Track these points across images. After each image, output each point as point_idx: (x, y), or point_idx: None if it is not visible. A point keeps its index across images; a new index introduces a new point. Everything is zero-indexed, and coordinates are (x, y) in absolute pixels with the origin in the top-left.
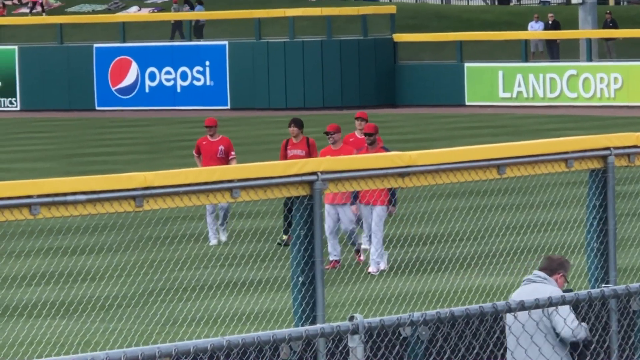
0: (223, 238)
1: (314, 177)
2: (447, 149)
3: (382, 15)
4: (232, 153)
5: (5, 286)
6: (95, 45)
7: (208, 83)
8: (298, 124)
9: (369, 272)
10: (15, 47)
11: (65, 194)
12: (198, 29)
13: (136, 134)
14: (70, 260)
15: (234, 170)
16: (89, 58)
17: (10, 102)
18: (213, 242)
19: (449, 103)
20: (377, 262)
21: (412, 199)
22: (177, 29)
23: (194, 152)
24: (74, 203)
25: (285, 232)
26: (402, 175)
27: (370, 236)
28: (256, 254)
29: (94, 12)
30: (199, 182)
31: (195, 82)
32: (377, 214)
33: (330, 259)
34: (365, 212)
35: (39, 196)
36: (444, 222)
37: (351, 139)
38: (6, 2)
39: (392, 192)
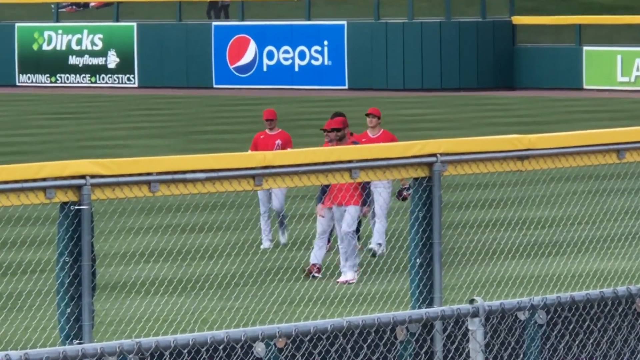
0: (283, 240)
1: (433, 159)
2: (567, 133)
3: None
4: (289, 149)
5: (124, 262)
6: (214, 23)
7: (326, 63)
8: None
9: (338, 282)
10: (134, 24)
11: (184, 172)
12: (224, 9)
13: (254, 112)
14: (189, 238)
15: (353, 150)
16: (207, 36)
17: (129, 79)
18: (266, 244)
19: (566, 86)
20: (351, 267)
21: (530, 182)
22: (212, 8)
23: (250, 150)
24: (193, 181)
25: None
26: (521, 158)
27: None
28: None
29: None
30: (318, 162)
31: (313, 62)
32: (350, 214)
33: (312, 262)
34: (337, 214)
35: (159, 173)
36: (562, 205)
37: (363, 140)
38: None
39: (365, 191)
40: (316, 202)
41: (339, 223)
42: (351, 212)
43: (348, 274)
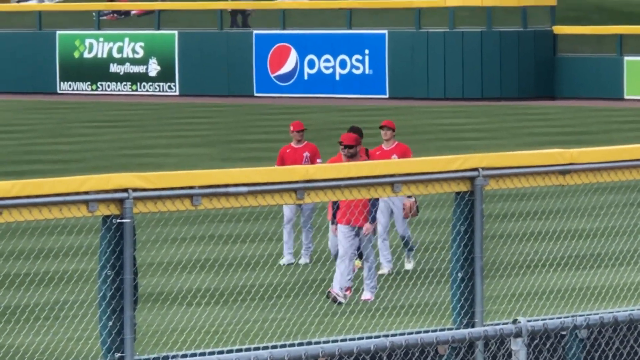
0: (305, 259)
1: (475, 173)
2: (609, 148)
3: (542, 7)
4: (318, 160)
5: (167, 275)
6: (255, 31)
7: (367, 72)
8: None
9: (364, 299)
10: (175, 32)
11: (227, 186)
12: (245, 19)
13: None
14: (231, 250)
15: (396, 164)
16: (248, 44)
17: (170, 87)
18: (286, 258)
19: (607, 96)
20: (373, 286)
21: (573, 194)
22: (234, 18)
23: (276, 165)
24: (236, 195)
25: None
26: (563, 172)
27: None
28: (417, 247)
29: None
30: (361, 175)
31: (354, 71)
32: (364, 236)
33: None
34: (348, 233)
35: (201, 187)
36: (604, 219)
37: (377, 152)
38: None
39: (375, 208)
40: (331, 221)
41: (347, 241)
42: (362, 236)
43: (366, 293)
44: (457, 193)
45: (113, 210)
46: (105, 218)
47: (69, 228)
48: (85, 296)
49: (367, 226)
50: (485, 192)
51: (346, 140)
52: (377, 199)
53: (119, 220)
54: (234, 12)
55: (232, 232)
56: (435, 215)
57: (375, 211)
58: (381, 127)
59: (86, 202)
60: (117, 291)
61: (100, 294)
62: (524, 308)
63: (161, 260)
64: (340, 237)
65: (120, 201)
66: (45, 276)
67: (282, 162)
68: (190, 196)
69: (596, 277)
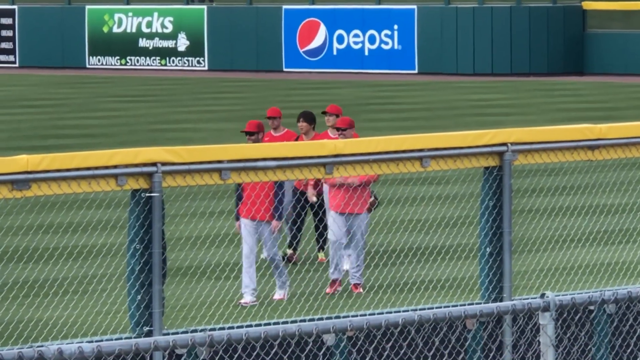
0: (279, 295)
1: (504, 148)
2: (638, 123)
3: None
4: None
5: (195, 249)
6: (285, 6)
7: (396, 47)
8: (308, 118)
9: (274, 299)
10: (204, 7)
11: (255, 160)
12: None
13: (324, 96)
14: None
15: (425, 139)
16: (277, 19)
17: (198, 62)
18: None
19: (636, 72)
20: (281, 286)
21: (602, 169)
22: None
23: None
24: (264, 169)
25: (290, 246)
26: (592, 147)
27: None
28: (445, 222)
29: None
30: (389, 150)
31: (383, 46)
32: (265, 236)
33: (333, 277)
34: (250, 228)
35: (230, 161)
36: (632, 194)
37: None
38: None
39: (277, 199)
40: (235, 216)
41: (251, 237)
42: (266, 233)
43: (279, 292)
44: (486, 168)
45: (142, 184)
46: (134, 192)
47: (98, 202)
48: (114, 270)
49: (274, 224)
50: (514, 167)
51: (247, 126)
52: (280, 188)
53: (147, 194)
54: None
55: None
56: (463, 190)
57: (278, 203)
58: (324, 113)
59: (115, 176)
60: (145, 265)
61: (129, 268)
62: (552, 283)
63: (190, 234)
64: (245, 234)
65: (149, 175)
66: (74, 250)
67: None
68: (219, 170)
69: (624, 253)
